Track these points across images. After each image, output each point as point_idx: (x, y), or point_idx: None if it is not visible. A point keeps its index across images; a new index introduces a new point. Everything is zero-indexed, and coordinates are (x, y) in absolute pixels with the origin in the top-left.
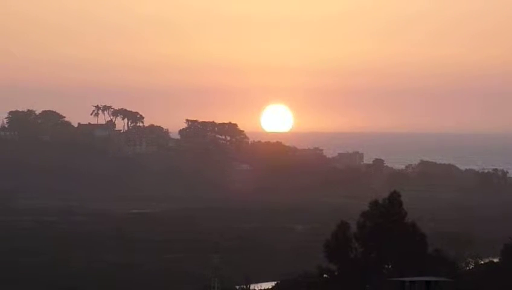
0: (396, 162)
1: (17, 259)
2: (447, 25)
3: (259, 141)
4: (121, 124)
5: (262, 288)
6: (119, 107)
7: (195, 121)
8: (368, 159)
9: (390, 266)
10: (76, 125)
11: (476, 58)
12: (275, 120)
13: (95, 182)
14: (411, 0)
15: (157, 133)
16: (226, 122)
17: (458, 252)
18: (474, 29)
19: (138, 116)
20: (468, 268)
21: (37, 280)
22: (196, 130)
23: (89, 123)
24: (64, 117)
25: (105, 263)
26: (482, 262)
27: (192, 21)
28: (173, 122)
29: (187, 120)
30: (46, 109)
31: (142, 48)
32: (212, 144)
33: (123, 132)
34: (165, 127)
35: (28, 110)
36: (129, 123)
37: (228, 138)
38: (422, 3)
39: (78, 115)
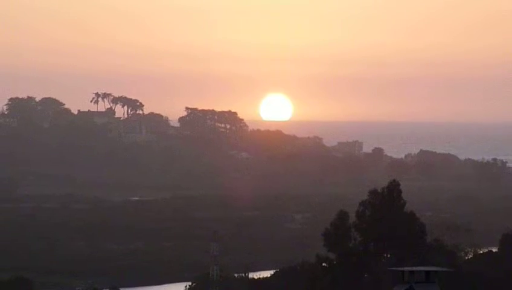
0: (396, 151)
1: (18, 245)
2: (440, 12)
3: (258, 130)
4: (120, 111)
5: (261, 277)
6: (119, 95)
7: (195, 109)
8: (367, 148)
9: (389, 256)
10: (76, 112)
11: (473, 47)
12: (274, 109)
13: (94, 169)
14: None
15: (157, 120)
16: (225, 110)
17: (457, 242)
18: (469, 17)
19: (138, 103)
20: (467, 258)
21: (36, 265)
22: (196, 118)
23: (89, 110)
24: (64, 104)
25: (105, 250)
26: (481, 252)
27: (196, 9)
28: (173, 110)
29: (187, 108)
30: (46, 96)
31: (142, 35)
32: (211, 132)
33: (123, 119)
34: (164, 115)
35: (28, 97)
36: (129, 111)
37: (228, 126)
38: None
39: (78, 103)
